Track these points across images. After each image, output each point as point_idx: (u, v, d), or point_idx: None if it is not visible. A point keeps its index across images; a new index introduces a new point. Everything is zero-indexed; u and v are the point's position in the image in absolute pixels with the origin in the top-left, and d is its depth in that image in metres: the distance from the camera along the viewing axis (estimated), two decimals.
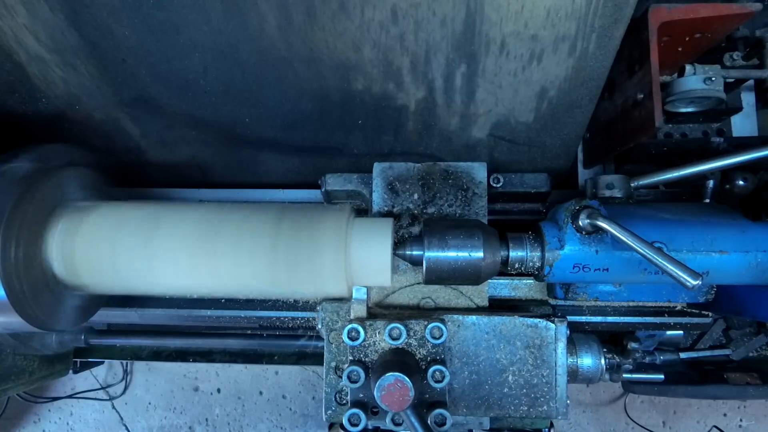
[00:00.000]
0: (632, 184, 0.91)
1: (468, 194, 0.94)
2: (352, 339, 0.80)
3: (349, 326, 0.80)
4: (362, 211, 1.07)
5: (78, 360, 1.66)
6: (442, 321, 0.80)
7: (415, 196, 0.95)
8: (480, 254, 0.78)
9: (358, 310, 0.83)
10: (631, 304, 1.01)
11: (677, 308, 1.02)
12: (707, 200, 0.94)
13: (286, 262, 0.87)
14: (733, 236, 0.79)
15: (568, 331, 0.86)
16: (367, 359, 0.81)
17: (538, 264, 0.80)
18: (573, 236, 0.78)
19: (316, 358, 1.56)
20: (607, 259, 0.78)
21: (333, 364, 0.89)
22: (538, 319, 0.84)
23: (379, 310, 0.91)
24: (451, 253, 0.78)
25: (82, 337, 1.41)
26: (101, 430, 2.66)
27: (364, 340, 0.80)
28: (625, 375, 1.04)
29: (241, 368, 2.66)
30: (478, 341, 0.85)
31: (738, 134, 1.04)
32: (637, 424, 2.22)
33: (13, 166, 0.91)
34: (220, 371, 2.67)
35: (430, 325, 0.79)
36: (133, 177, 1.14)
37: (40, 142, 0.99)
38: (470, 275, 0.79)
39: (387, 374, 0.71)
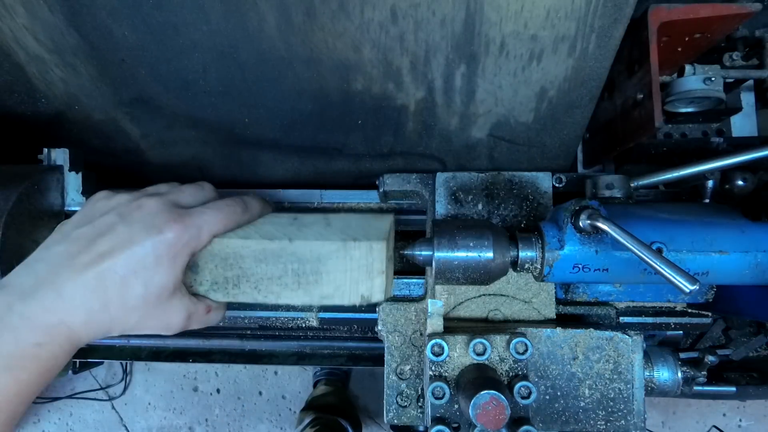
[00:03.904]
0: (632, 184, 0.90)
1: (533, 204, 0.94)
2: (435, 354, 0.77)
3: (433, 341, 0.78)
4: (420, 212, 1.07)
5: (78, 360, 1.66)
6: (524, 335, 0.78)
7: (480, 206, 0.94)
8: (490, 255, 0.77)
9: (436, 324, 0.80)
10: (631, 304, 1.01)
11: (677, 308, 1.02)
12: (707, 200, 0.94)
13: None
14: (733, 236, 0.79)
15: (645, 344, 0.84)
16: (446, 374, 0.79)
17: (538, 264, 0.80)
18: (573, 236, 0.78)
19: (316, 359, 1.56)
20: (607, 260, 0.78)
21: (393, 365, 0.88)
22: (614, 332, 0.83)
23: (449, 323, 0.88)
24: (461, 254, 0.78)
25: None
26: (101, 430, 2.66)
27: (447, 356, 0.78)
28: (696, 387, 1.00)
29: (240, 368, 2.67)
30: (553, 355, 0.84)
31: (738, 134, 1.04)
32: None
33: (13, 165, 0.91)
34: (219, 371, 2.67)
35: (515, 341, 0.77)
36: (132, 177, 1.13)
37: (40, 143, 0.99)
38: (480, 276, 0.79)
39: (482, 392, 0.68)
